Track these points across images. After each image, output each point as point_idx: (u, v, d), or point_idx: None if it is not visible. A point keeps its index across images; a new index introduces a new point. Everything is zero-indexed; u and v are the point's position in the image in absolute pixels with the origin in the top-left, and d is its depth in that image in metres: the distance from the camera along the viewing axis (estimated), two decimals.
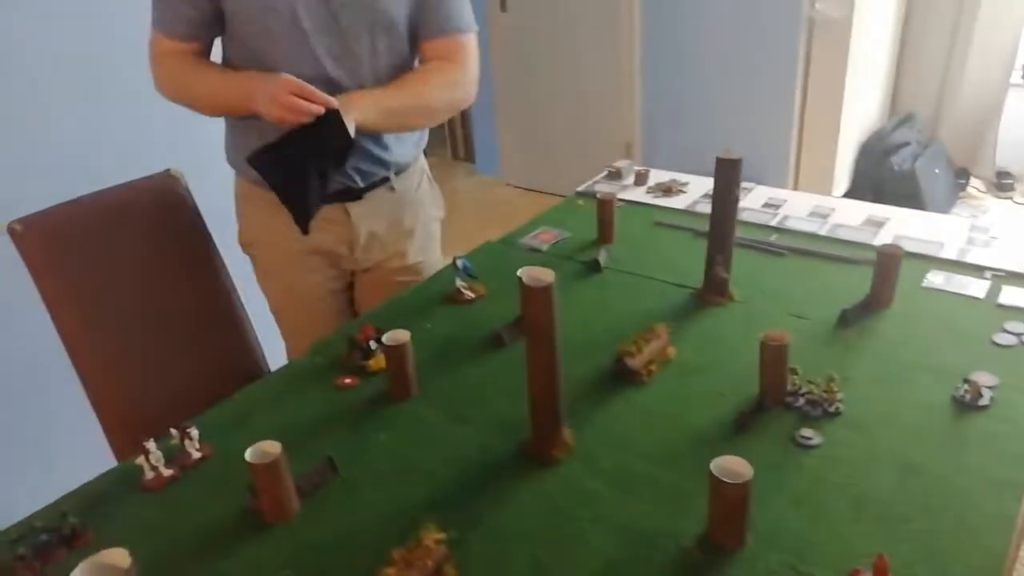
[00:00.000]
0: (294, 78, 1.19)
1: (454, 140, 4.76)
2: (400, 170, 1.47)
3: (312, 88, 1.18)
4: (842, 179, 3.41)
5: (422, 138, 1.53)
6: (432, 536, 0.83)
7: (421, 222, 1.55)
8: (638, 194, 1.75)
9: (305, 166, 1.21)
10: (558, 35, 3.81)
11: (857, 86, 3.25)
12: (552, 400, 0.96)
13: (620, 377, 1.12)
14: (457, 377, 1.18)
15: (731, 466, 0.83)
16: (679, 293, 1.34)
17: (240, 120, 1.36)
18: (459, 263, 1.41)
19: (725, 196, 1.22)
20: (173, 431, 1.04)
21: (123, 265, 1.44)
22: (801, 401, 1.04)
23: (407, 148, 1.47)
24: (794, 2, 3.07)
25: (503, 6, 3.91)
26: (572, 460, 0.99)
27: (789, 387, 1.05)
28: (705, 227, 1.51)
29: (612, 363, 1.14)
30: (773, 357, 1.02)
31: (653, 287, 1.38)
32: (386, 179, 1.45)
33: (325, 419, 1.11)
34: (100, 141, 1.85)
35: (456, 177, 4.60)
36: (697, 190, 1.75)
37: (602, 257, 1.45)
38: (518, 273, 1.24)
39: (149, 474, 0.99)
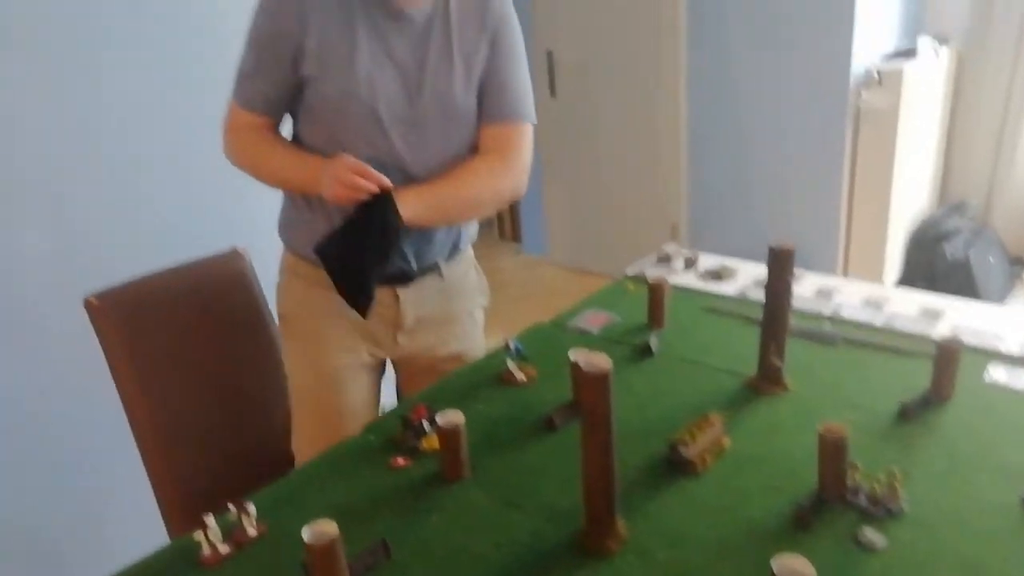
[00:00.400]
0: (354, 159, 1.25)
1: (501, 219, 4.86)
2: (450, 257, 1.50)
3: (369, 168, 1.24)
4: (893, 267, 3.37)
5: (473, 227, 1.57)
6: None
7: (466, 310, 1.57)
8: (688, 279, 1.76)
9: (364, 250, 1.26)
10: (605, 119, 3.91)
11: (905, 174, 3.25)
12: (606, 489, 0.96)
13: (674, 466, 1.12)
14: (509, 460, 1.18)
15: (793, 566, 0.81)
16: (732, 380, 1.34)
17: (300, 198, 1.42)
18: (511, 345, 1.43)
19: (778, 286, 1.22)
20: (231, 507, 1.05)
21: (187, 340, 1.50)
22: (862, 498, 1.01)
23: (458, 236, 1.51)
24: (840, 92, 3.12)
25: (552, 91, 4.04)
26: (626, 552, 0.98)
27: (849, 482, 1.03)
28: (757, 314, 1.52)
29: (666, 451, 1.13)
30: (832, 451, 1.00)
31: (706, 374, 1.37)
32: (436, 265, 1.48)
33: (378, 499, 1.12)
34: (174, 213, 1.94)
35: (502, 256, 4.67)
36: (747, 276, 1.75)
37: (653, 342, 1.46)
38: (573, 358, 1.26)
39: (207, 550, 1.00)
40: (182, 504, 1.45)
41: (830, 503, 1.02)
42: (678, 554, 0.96)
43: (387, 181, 1.25)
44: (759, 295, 1.62)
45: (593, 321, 1.60)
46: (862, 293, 1.63)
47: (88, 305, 1.39)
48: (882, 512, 1.00)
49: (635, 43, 3.67)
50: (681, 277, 1.77)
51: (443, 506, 1.09)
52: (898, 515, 0.99)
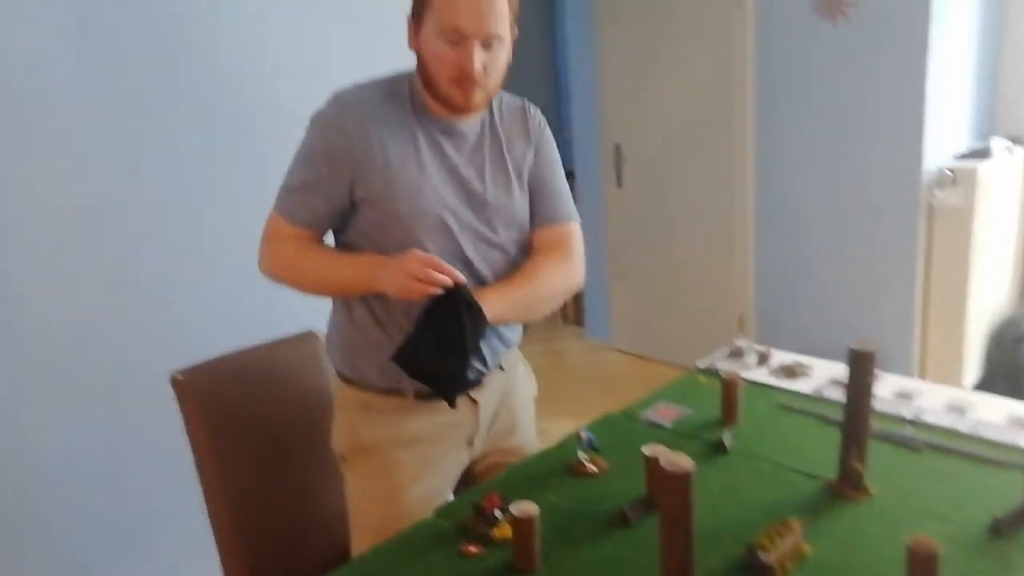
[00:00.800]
0: (422, 253, 1.26)
1: (564, 304, 4.88)
2: (508, 348, 1.52)
3: (438, 259, 1.26)
4: (972, 368, 3.26)
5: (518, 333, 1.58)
6: None
7: (523, 402, 1.60)
8: (760, 374, 1.75)
9: (450, 344, 1.26)
10: (671, 210, 3.96)
11: (983, 272, 3.18)
12: None
13: (752, 571, 1.09)
14: (581, 554, 1.17)
15: None
16: (810, 483, 1.31)
17: (365, 316, 1.39)
18: (583, 435, 1.43)
19: (859, 389, 1.21)
20: None
21: (261, 417, 1.53)
22: None
23: (519, 327, 1.54)
24: (912, 189, 3.11)
25: (619, 182, 4.13)
26: None
27: None
28: (834, 413, 1.49)
29: (743, 554, 1.10)
30: (922, 565, 0.97)
31: (782, 474, 1.35)
32: (498, 361, 1.49)
33: None
34: (254, 295, 2.03)
35: (565, 339, 4.69)
36: (822, 374, 1.73)
37: (727, 439, 1.44)
38: (649, 453, 1.26)
39: None
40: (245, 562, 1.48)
41: None
42: None
43: (460, 275, 1.26)
44: (835, 394, 1.60)
45: (665, 414, 1.59)
46: (944, 397, 1.58)
47: (174, 381, 1.46)
48: None
49: (702, 136, 3.74)
50: (753, 372, 1.75)
51: None
52: None
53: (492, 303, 1.31)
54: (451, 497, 1.46)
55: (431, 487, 1.42)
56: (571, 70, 4.36)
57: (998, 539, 1.13)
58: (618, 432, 1.54)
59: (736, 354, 1.84)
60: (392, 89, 1.37)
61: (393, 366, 1.29)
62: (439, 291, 1.24)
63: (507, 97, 1.48)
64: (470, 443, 1.49)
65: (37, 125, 1.63)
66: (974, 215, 3.03)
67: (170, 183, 1.81)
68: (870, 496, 1.25)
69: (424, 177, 1.33)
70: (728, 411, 1.53)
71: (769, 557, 1.08)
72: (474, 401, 1.45)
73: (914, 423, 1.49)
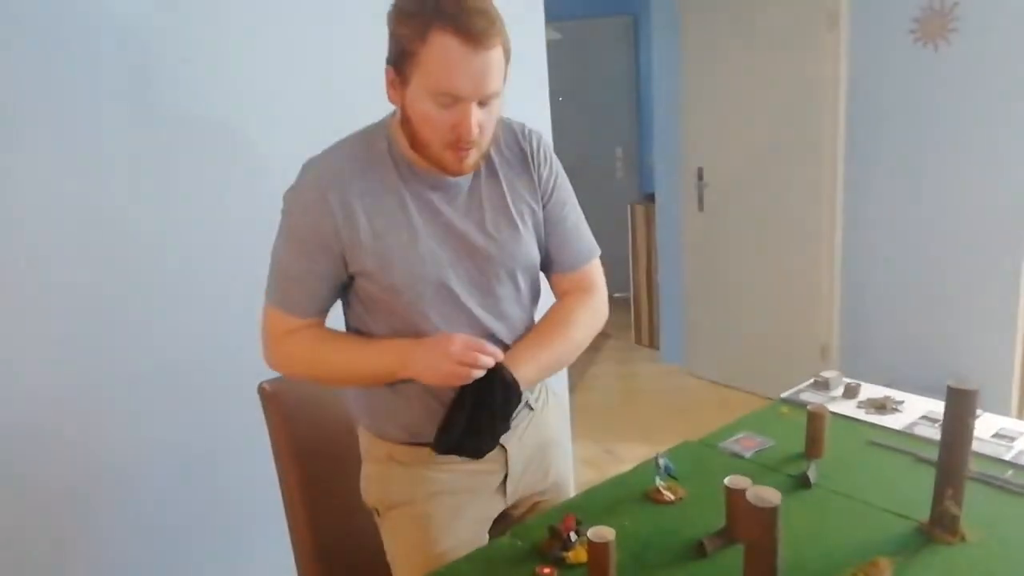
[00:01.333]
0: (465, 335, 1.19)
1: (639, 325, 4.85)
2: (534, 390, 1.43)
3: (482, 341, 1.19)
4: None
5: None
6: None
7: (554, 440, 1.49)
8: (848, 408, 1.69)
9: (489, 420, 1.22)
10: (753, 234, 3.88)
11: None
12: None
13: None
14: None
15: None
16: (900, 524, 1.25)
17: (369, 389, 1.34)
18: (661, 462, 1.41)
19: (958, 428, 1.16)
20: None
21: (343, 434, 1.55)
22: None
23: None
24: (1016, 219, 2.96)
25: (700, 206, 4.08)
26: None
27: None
28: (926, 452, 1.43)
29: None
30: None
31: (870, 513, 1.30)
32: (525, 401, 1.39)
33: None
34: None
35: (638, 362, 4.64)
36: (914, 410, 1.66)
37: (811, 473, 1.40)
38: (735, 485, 1.23)
39: None
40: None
41: None
42: None
43: (499, 352, 1.20)
44: (928, 432, 1.54)
45: (746, 444, 1.55)
46: None
47: (261, 391, 1.51)
48: None
49: (789, 160, 3.66)
50: (839, 405, 1.70)
51: None
52: None
53: (523, 369, 1.24)
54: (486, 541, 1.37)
55: (465, 536, 1.34)
56: (654, 92, 4.35)
57: None
58: (697, 460, 1.51)
59: (822, 386, 1.79)
60: (368, 149, 1.23)
61: (415, 423, 1.29)
62: (481, 374, 1.18)
63: (502, 124, 1.29)
64: (503, 489, 1.39)
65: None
66: None
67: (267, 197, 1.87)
68: (965, 541, 1.19)
69: (417, 243, 1.21)
70: (813, 444, 1.48)
71: None
72: (503, 447, 1.35)
73: (1015, 466, 1.41)
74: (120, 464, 1.75)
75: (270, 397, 1.50)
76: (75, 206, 1.63)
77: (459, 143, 1.15)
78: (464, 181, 1.26)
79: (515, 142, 1.32)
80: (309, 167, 1.23)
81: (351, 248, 1.20)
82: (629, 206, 4.70)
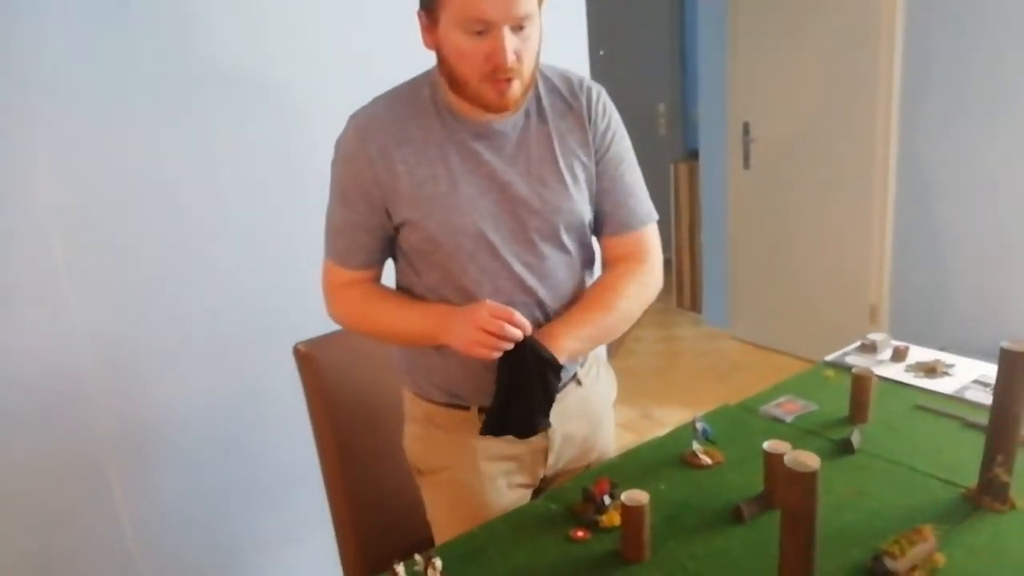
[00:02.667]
0: (495, 304, 1.16)
1: (680, 288, 4.78)
2: (584, 361, 1.40)
3: (514, 312, 1.15)
4: None
5: None
6: None
7: (603, 411, 1.46)
8: (895, 371, 1.64)
9: (529, 400, 1.19)
10: (801, 193, 3.77)
11: None
12: None
13: None
14: (692, 548, 1.14)
15: None
16: (946, 491, 1.21)
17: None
18: (699, 426, 1.39)
19: (1010, 392, 1.11)
20: (418, 557, 1.09)
21: (378, 393, 1.56)
22: None
23: None
24: None
25: (746, 163, 3.97)
26: None
27: None
28: (976, 416, 1.38)
29: (869, 561, 1.04)
30: None
31: (915, 479, 1.26)
32: (574, 375, 1.38)
33: (556, 568, 1.11)
34: None
35: (680, 325, 4.58)
36: (965, 374, 1.60)
37: (855, 438, 1.36)
38: (768, 448, 1.20)
39: None
40: (359, 551, 1.53)
41: None
42: None
43: (528, 325, 1.16)
44: (979, 396, 1.48)
45: (787, 408, 1.52)
46: None
47: (296, 352, 1.52)
48: None
49: (841, 116, 3.52)
50: (887, 369, 1.65)
51: None
52: None
53: (563, 341, 1.20)
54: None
55: (505, 503, 1.33)
56: (699, 44, 4.21)
57: None
58: (735, 424, 1.48)
59: (869, 348, 1.74)
60: (412, 99, 1.22)
61: (454, 383, 1.28)
62: (509, 346, 1.14)
63: (556, 75, 1.28)
64: (543, 461, 1.37)
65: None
66: None
67: (308, 153, 1.86)
68: (1015, 508, 1.15)
69: (456, 192, 1.19)
70: (858, 409, 1.44)
71: (896, 565, 1.01)
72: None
73: None
74: (159, 422, 1.78)
75: (305, 358, 1.51)
76: (112, 163, 1.64)
77: (496, 73, 1.10)
78: (511, 129, 1.22)
79: (570, 92, 1.27)
80: (354, 118, 1.24)
81: (391, 197, 1.20)
82: (672, 164, 4.60)
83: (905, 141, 3.33)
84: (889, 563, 1.01)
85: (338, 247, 1.27)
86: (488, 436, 1.24)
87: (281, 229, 1.87)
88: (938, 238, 3.29)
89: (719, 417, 1.51)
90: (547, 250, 1.25)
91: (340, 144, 1.24)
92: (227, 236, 1.81)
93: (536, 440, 1.32)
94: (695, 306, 4.68)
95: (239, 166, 1.80)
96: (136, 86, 1.64)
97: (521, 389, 1.18)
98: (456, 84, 1.15)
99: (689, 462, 1.36)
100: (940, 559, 1.05)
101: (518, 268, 1.23)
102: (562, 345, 1.20)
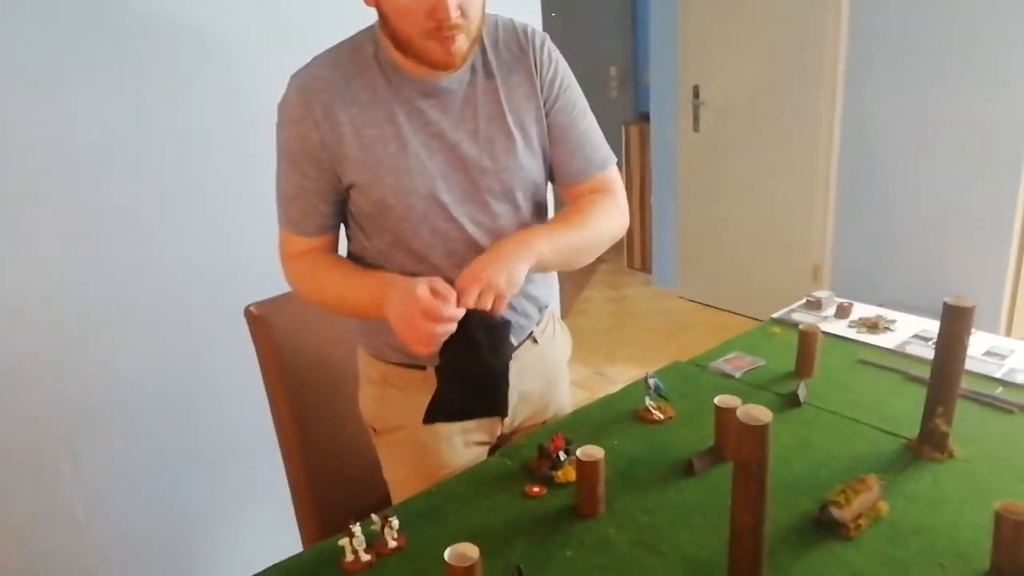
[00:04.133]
0: (426, 295, 1.05)
1: (631, 249, 4.82)
2: (540, 319, 1.39)
3: (446, 290, 1.07)
4: None
5: (555, 284, 1.46)
6: None
7: (556, 372, 1.45)
8: (839, 327, 1.68)
9: (473, 382, 1.15)
10: (749, 155, 3.82)
11: None
12: (755, 545, 0.92)
13: (824, 527, 1.05)
14: (645, 501, 1.15)
15: None
16: (889, 441, 1.26)
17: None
18: (651, 382, 1.40)
19: (952, 346, 1.14)
20: (374, 517, 1.08)
21: (332, 353, 1.54)
22: None
23: (550, 292, 1.41)
24: (1018, 136, 2.90)
25: (696, 126, 3.99)
26: None
27: None
28: (917, 370, 1.43)
29: (816, 511, 1.07)
30: (1011, 532, 0.92)
31: (859, 431, 1.29)
32: (530, 333, 1.36)
33: (513, 524, 1.12)
34: None
35: (631, 286, 4.63)
36: (906, 329, 1.65)
37: (801, 392, 1.39)
38: (724, 404, 1.22)
39: (350, 556, 1.04)
40: (316, 513, 1.51)
41: None
42: None
43: (467, 299, 1.07)
44: (920, 351, 1.53)
45: (736, 364, 1.54)
46: None
47: (248, 313, 1.48)
48: None
49: (788, 79, 3.56)
50: (831, 325, 1.69)
51: (578, 541, 1.08)
52: None
53: (537, 244, 1.15)
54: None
55: (462, 461, 1.33)
56: (650, 8, 4.19)
57: None
58: (686, 380, 1.50)
59: (813, 306, 1.77)
60: (355, 57, 1.16)
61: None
62: (450, 327, 1.06)
63: (501, 26, 1.23)
64: (500, 420, 1.36)
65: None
66: None
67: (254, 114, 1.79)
68: (954, 458, 1.19)
69: (406, 154, 1.15)
70: (804, 364, 1.48)
71: (843, 514, 1.04)
72: None
73: (1005, 383, 1.40)
74: (107, 389, 1.72)
75: (257, 320, 1.47)
76: (49, 123, 1.55)
77: (440, 29, 1.05)
78: (457, 87, 1.17)
79: (515, 42, 1.22)
80: (294, 78, 1.18)
81: (339, 160, 1.16)
82: (623, 127, 4.60)
83: (850, 105, 3.38)
84: (836, 512, 1.04)
85: (291, 214, 1.22)
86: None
87: (230, 189, 1.80)
88: (880, 199, 3.37)
89: (670, 374, 1.53)
90: (500, 209, 1.23)
91: (283, 107, 1.18)
92: (174, 197, 1.74)
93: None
94: (645, 266, 4.73)
95: (186, 125, 1.73)
96: (75, 39, 1.55)
97: (472, 370, 1.13)
98: (399, 42, 1.10)
99: (642, 418, 1.38)
100: (884, 507, 1.09)
101: (471, 229, 1.21)
102: (534, 247, 1.15)
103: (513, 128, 1.21)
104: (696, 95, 3.94)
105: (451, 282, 1.09)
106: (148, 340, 1.76)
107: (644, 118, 4.49)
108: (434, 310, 1.04)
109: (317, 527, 1.51)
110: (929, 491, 1.13)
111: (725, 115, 3.87)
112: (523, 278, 1.13)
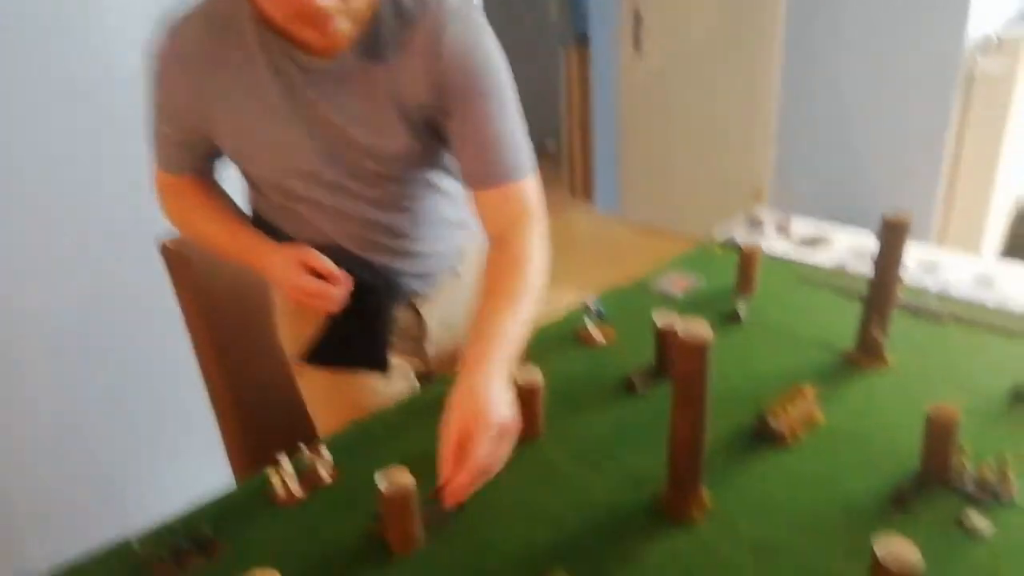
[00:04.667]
0: (306, 258, 1.07)
1: (572, 175, 4.77)
2: (463, 259, 1.33)
3: (327, 265, 1.07)
4: (993, 240, 3.17)
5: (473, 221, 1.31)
6: None
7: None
8: (779, 245, 1.68)
9: (359, 327, 1.14)
10: (690, 75, 3.77)
11: (1017, 146, 3.03)
12: (694, 458, 0.91)
13: (762, 438, 1.06)
14: (586, 422, 1.14)
15: (896, 550, 0.75)
16: (827, 353, 1.26)
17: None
18: (591, 306, 1.38)
19: (889, 259, 1.14)
20: (304, 448, 1.05)
21: (252, 286, 1.48)
22: (968, 483, 0.94)
23: (465, 237, 1.32)
24: (952, 55, 2.92)
25: (637, 46, 3.91)
26: (708, 522, 0.93)
27: (954, 466, 0.96)
28: (855, 287, 1.43)
29: (754, 422, 1.07)
30: (941, 431, 0.93)
31: (797, 345, 1.30)
32: (451, 267, 1.31)
33: None
34: None
35: (572, 213, 4.60)
36: (844, 244, 1.65)
37: (742, 309, 1.39)
38: (660, 322, 1.21)
39: (280, 490, 1.00)
40: (246, 449, 1.47)
41: (932, 486, 0.95)
42: (764, 527, 0.92)
43: (344, 278, 1.08)
44: (858, 266, 1.54)
45: (676, 284, 1.53)
46: (971, 269, 1.51)
47: (164, 249, 1.40)
48: (989, 498, 0.92)
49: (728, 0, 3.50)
50: (772, 242, 1.68)
51: (517, 463, 1.05)
52: (1008, 503, 0.92)
53: (502, 376, 0.96)
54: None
55: (387, 394, 1.27)
56: None
57: (1017, 407, 1.09)
58: (628, 302, 1.48)
59: (755, 224, 1.77)
60: (231, 20, 1.01)
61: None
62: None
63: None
64: (419, 349, 1.32)
65: None
66: (1015, 85, 2.85)
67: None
68: (888, 366, 1.21)
69: (283, 132, 1.04)
70: (744, 282, 1.47)
71: (779, 424, 1.04)
72: (417, 312, 1.28)
73: (939, 295, 1.42)
74: (21, 334, 1.63)
75: (173, 255, 1.39)
76: None
77: (308, 15, 0.89)
78: (340, 68, 1.02)
79: (412, 18, 1.01)
80: (170, 29, 1.04)
81: (212, 129, 1.08)
82: (562, 49, 4.49)
83: (792, 27, 3.34)
84: (772, 422, 1.05)
85: (160, 153, 1.15)
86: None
87: (137, 120, 1.69)
88: (820, 118, 3.38)
89: (612, 297, 1.51)
90: (395, 186, 1.14)
91: (155, 58, 1.05)
92: (78, 131, 1.62)
93: (412, 327, 1.28)
94: (587, 192, 4.70)
95: (98, 42, 1.60)
96: None
97: (354, 321, 1.12)
98: (267, 21, 0.97)
99: (582, 340, 1.36)
100: (819, 416, 1.09)
101: (361, 205, 1.13)
102: (496, 373, 0.96)
103: (398, 118, 1.05)
104: (636, 16, 3.85)
105: (342, 250, 1.09)
106: (63, 281, 1.66)
107: (583, 40, 4.39)
108: (305, 283, 1.07)
109: (250, 463, 1.47)
110: (864, 399, 1.14)
111: (666, 35, 3.80)
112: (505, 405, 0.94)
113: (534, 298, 1.06)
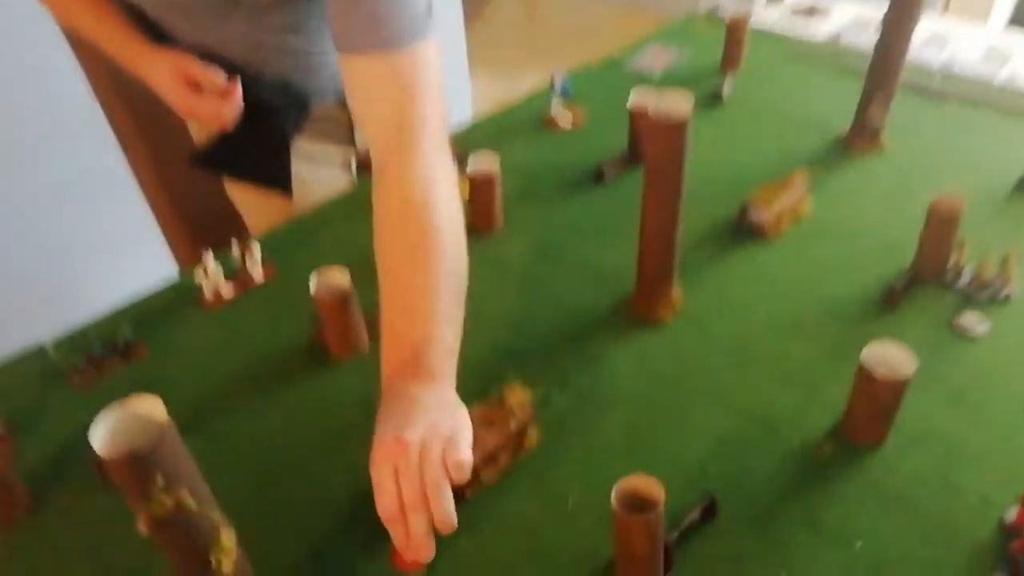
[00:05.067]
0: (187, 69, 0.90)
1: None
2: None
3: (211, 76, 0.90)
4: (1003, 7, 2.92)
5: None
6: (517, 397, 0.72)
7: None
8: (772, 17, 1.49)
9: (261, 138, 0.97)
10: None
11: None
12: (665, 253, 0.81)
13: (743, 231, 0.96)
14: (549, 213, 1.03)
15: (887, 354, 0.67)
16: (819, 136, 1.13)
17: None
18: (557, 82, 1.22)
19: (898, 26, 0.98)
20: (234, 245, 0.93)
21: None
22: (966, 280, 0.86)
23: None
24: None
25: None
26: (679, 322, 0.85)
27: (951, 262, 0.87)
28: (853, 63, 1.28)
29: (735, 214, 0.97)
30: (941, 223, 0.83)
31: (787, 128, 1.17)
32: None
33: None
34: None
35: None
36: (842, 16, 1.47)
37: (726, 87, 1.24)
38: (634, 101, 1.06)
39: (208, 291, 0.90)
40: (192, 246, 1.35)
41: (925, 283, 0.87)
42: (738, 327, 0.84)
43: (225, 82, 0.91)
44: (856, 39, 1.37)
45: (656, 60, 1.36)
46: (981, 43, 1.35)
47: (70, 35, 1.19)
48: (986, 297, 0.85)
49: None
50: (765, 15, 1.49)
51: (472, 258, 0.95)
52: (1004, 301, 0.84)
53: (449, 373, 0.67)
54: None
55: (324, 171, 1.12)
56: None
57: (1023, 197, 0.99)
58: (600, 82, 1.32)
59: None
60: None
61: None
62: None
63: None
64: (351, 137, 1.14)
65: None
66: None
67: None
68: (885, 150, 1.09)
69: None
70: (730, 56, 1.31)
71: (761, 215, 0.94)
72: (344, 104, 1.08)
73: (944, 73, 1.28)
74: None
75: (81, 44, 1.18)
76: None
77: None
78: None
79: None
80: None
81: None
82: None
83: None
84: (755, 213, 0.94)
85: None
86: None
87: None
88: None
89: (583, 77, 1.34)
90: (261, 19, 0.92)
91: None
92: None
93: (339, 116, 1.10)
94: None
95: None
96: None
97: (252, 137, 0.95)
98: None
99: (548, 125, 1.21)
100: (807, 206, 0.99)
101: (227, 27, 0.92)
102: (448, 377, 0.66)
103: None
104: None
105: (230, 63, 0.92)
106: None
107: None
108: (205, 113, 0.90)
109: (193, 250, 1.36)
110: (856, 187, 1.03)
111: None
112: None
113: (456, 300, 0.73)
